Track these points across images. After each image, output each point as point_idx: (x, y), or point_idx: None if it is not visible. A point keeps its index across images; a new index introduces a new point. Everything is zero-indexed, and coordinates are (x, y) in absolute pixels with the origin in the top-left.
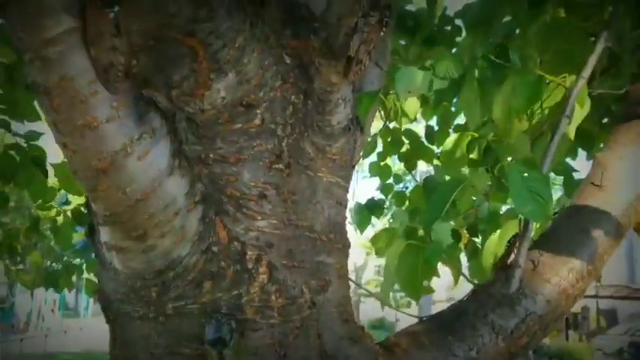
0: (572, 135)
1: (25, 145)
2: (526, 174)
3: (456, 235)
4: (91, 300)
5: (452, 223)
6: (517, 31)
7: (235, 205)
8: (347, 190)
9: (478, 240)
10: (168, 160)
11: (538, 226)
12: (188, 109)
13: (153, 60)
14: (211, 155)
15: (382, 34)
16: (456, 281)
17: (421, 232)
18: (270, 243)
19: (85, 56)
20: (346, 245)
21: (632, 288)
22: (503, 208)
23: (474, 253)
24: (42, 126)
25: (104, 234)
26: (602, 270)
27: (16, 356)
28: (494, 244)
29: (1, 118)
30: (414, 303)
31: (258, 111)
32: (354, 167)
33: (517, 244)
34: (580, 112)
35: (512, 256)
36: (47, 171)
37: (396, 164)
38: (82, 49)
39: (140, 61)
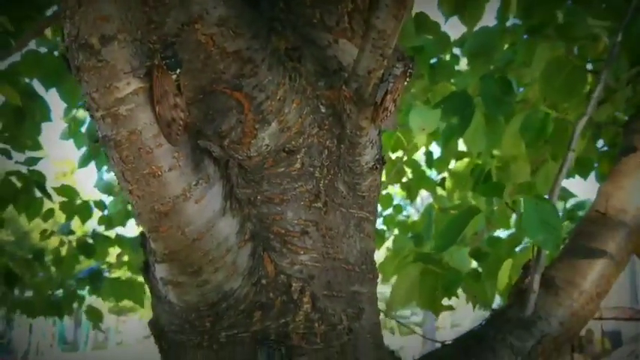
0: (572, 162)
1: (26, 171)
2: (538, 205)
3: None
4: (90, 333)
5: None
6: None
7: (281, 241)
8: (374, 224)
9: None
10: (221, 203)
11: (549, 252)
12: (237, 156)
13: (203, 112)
14: (259, 197)
15: (406, 83)
16: (474, 306)
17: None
18: (312, 275)
19: (151, 113)
20: (376, 275)
21: (636, 309)
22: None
23: (477, 277)
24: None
25: (161, 270)
26: (609, 291)
27: None
28: (507, 270)
29: (2, 147)
30: (417, 329)
31: (298, 156)
32: (377, 200)
33: (531, 270)
34: (581, 142)
35: (527, 282)
36: (49, 194)
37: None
38: (148, 107)
39: (191, 112)
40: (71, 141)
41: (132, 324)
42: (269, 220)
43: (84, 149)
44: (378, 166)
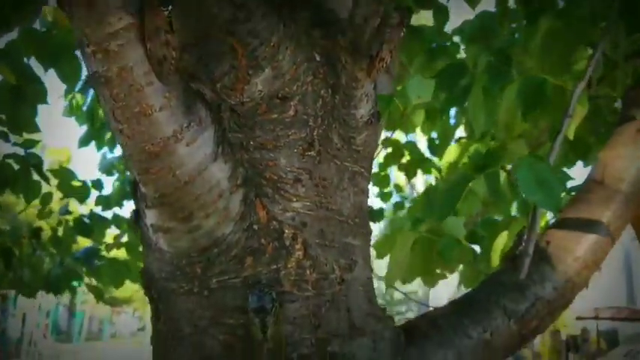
0: (571, 135)
1: (24, 153)
2: (533, 165)
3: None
4: (84, 323)
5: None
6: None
7: (273, 187)
8: (369, 180)
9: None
10: (213, 147)
11: (543, 224)
12: (230, 101)
13: (196, 56)
14: (251, 142)
15: (402, 34)
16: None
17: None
18: (305, 223)
19: (142, 50)
20: (369, 231)
21: (632, 309)
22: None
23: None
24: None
25: (151, 217)
26: (603, 260)
27: None
28: (503, 242)
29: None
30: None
31: (292, 103)
32: (373, 158)
33: (525, 236)
34: (580, 111)
35: (521, 247)
36: (47, 177)
37: (392, 176)
38: (139, 43)
39: (184, 57)
40: (67, 129)
41: (126, 316)
42: (262, 166)
43: (79, 137)
44: (373, 120)
